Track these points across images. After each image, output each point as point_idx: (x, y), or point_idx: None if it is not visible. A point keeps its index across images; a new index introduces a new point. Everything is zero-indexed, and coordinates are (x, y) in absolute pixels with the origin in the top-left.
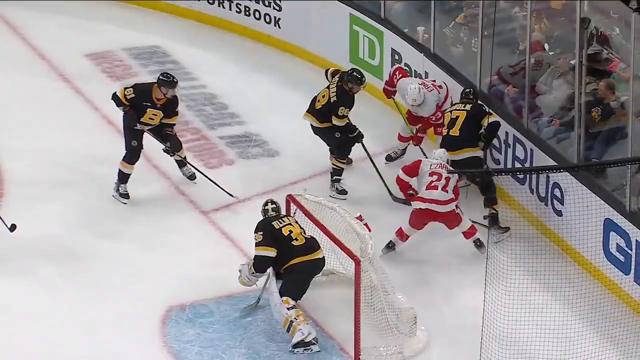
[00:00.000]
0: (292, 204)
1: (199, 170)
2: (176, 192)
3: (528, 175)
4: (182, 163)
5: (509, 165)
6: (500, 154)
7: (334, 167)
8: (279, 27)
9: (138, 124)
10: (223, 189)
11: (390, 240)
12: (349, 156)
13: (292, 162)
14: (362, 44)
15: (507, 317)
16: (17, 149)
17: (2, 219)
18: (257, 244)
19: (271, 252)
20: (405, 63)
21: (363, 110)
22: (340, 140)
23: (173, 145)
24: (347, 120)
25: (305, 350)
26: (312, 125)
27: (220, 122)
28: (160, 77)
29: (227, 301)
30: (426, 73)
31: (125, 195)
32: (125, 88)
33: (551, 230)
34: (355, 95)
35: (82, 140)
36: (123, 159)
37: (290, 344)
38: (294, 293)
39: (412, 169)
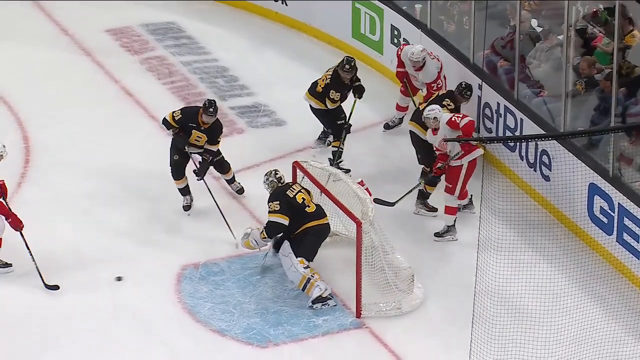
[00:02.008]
0: (298, 170)
1: (217, 205)
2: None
3: (518, 143)
4: (231, 180)
5: (501, 134)
6: (492, 123)
7: (336, 149)
8: (286, 4)
9: (186, 147)
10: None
11: (447, 226)
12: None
13: (298, 130)
14: (363, 21)
15: (499, 275)
16: (43, 119)
17: (42, 278)
18: (272, 212)
19: (285, 221)
20: (403, 38)
21: (364, 82)
22: (342, 124)
23: (202, 169)
24: (339, 105)
25: (323, 305)
26: (311, 106)
27: (231, 93)
28: (205, 103)
29: (238, 261)
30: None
31: (186, 207)
32: (174, 111)
33: (539, 194)
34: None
35: (102, 110)
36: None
37: (309, 300)
38: (307, 254)
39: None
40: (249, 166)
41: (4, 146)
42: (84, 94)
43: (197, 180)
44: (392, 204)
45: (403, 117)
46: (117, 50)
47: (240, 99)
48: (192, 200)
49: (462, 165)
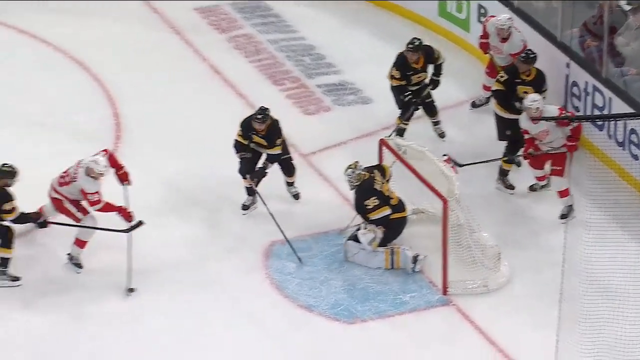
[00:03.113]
0: (384, 148)
1: (272, 216)
2: None
3: (606, 122)
4: (291, 183)
5: (588, 113)
6: (580, 101)
7: (398, 126)
8: None
9: (247, 175)
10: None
11: (567, 206)
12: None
13: (384, 108)
14: None
15: (587, 253)
16: (134, 95)
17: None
18: (375, 208)
19: (388, 211)
20: (490, 16)
21: (451, 61)
22: (406, 102)
23: (257, 174)
24: (402, 85)
25: (420, 264)
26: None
27: (318, 71)
28: (254, 114)
29: (324, 237)
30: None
31: (245, 207)
32: (238, 130)
33: (628, 174)
34: (439, 50)
35: (190, 87)
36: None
37: (408, 266)
38: (383, 243)
39: None
40: (336, 144)
41: (106, 166)
42: (173, 71)
43: (250, 183)
44: (460, 166)
45: (490, 96)
46: (205, 29)
47: (327, 77)
48: (253, 203)
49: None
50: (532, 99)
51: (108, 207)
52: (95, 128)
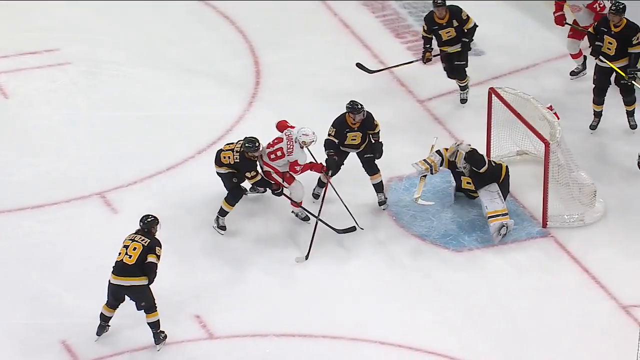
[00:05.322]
0: (493, 95)
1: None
2: None
3: None
4: (377, 187)
5: None
6: None
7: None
8: None
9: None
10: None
11: None
12: None
13: (494, 60)
14: None
15: None
16: (271, 46)
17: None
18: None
19: None
20: None
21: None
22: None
23: (331, 164)
24: (426, 36)
25: (504, 236)
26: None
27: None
28: (347, 105)
29: (437, 176)
30: None
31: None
32: (329, 130)
33: None
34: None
35: (322, 37)
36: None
37: (496, 226)
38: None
39: None
40: (450, 91)
41: (314, 132)
42: (307, 24)
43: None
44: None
45: (583, 61)
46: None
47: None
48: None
49: None
50: None
51: (304, 169)
52: (237, 74)
